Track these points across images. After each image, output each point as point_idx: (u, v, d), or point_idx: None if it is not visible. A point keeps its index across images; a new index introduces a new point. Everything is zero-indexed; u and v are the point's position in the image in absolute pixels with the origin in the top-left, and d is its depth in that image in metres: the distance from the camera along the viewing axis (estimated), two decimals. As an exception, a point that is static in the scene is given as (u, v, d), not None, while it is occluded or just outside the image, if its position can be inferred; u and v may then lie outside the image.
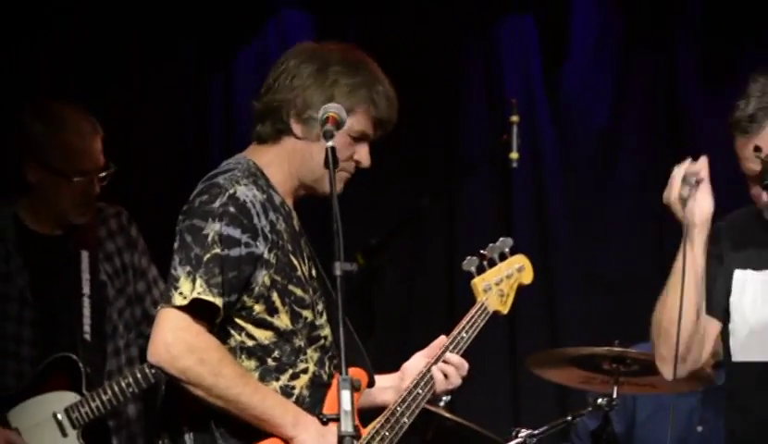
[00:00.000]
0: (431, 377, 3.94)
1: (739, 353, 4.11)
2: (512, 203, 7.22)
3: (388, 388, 3.94)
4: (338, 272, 3.35)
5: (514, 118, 5.87)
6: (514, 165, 5.91)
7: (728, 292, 4.12)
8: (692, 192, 3.98)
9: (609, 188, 7.23)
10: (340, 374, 3.30)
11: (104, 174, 5.19)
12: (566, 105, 7.27)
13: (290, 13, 7.02)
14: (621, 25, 7.25)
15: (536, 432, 5.40)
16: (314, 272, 3.74)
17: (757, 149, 3.97)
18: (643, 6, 7.23)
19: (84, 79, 6.80)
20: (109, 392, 5.11)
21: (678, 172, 4.01)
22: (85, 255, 5.25)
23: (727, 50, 7.14)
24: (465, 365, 3.98)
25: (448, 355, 3.97)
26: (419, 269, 7.19)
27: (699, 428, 5.92)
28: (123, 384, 5.13)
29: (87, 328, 5.21)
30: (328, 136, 3.51)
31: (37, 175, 5.16)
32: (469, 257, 4.18)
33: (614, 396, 5.30)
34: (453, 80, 7.28)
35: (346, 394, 3.25)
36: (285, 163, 3.75)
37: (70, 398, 5.12)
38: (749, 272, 4.10)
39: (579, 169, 7.28)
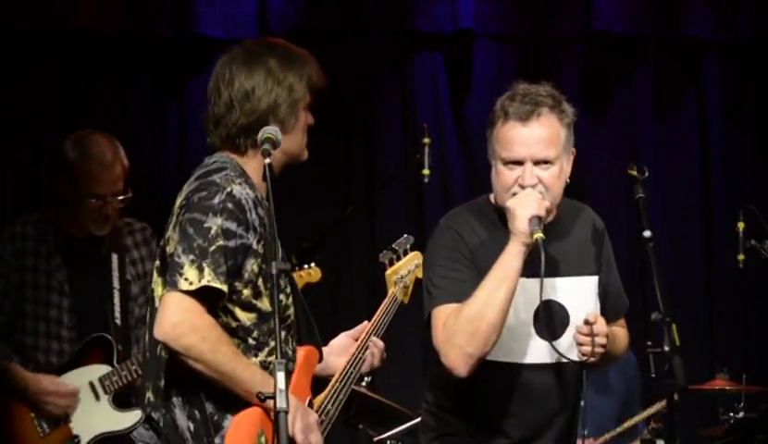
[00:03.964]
0: (361, 359, 4.14)
1: (492, 354, 4.03)
2: (423, 213, 7.49)
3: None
4: (274, 271, 3.49)
5: (426, 140, 6.29)
6: (426, 179, 6.31)
7: None
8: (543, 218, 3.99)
9: (506, 198, 7.66)
10: (278, 357, 3.44)
11: (120, 197, 5.47)
12: (470, 129, 7.53)
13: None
14: (515, 60, 7.59)
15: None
16: None
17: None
18: (533, 45, 7.65)
19: (58, 106, 7.19)
20: (135, 364, 5.39)
21: (535, 195, 4.01)
22: (115, 257, 5.54)
23: (602, 81, 7.72)
24: (384, 349, 4.23)
25: (373, 339, 4.19)
26: (345, 268, 7.48)
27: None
28: None
29: (117, 314, 5.49)
30: (266, 154, 3.60)
31: (66, 190, 5.45)
32: (384, 251, 4.48)
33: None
34: (374, 107, 7.61)
35: (281, 375, 3.37)
36: (262, 161, 3.70)
37: (104, 369, 5.43)
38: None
39: (481, 183, 6.89)
